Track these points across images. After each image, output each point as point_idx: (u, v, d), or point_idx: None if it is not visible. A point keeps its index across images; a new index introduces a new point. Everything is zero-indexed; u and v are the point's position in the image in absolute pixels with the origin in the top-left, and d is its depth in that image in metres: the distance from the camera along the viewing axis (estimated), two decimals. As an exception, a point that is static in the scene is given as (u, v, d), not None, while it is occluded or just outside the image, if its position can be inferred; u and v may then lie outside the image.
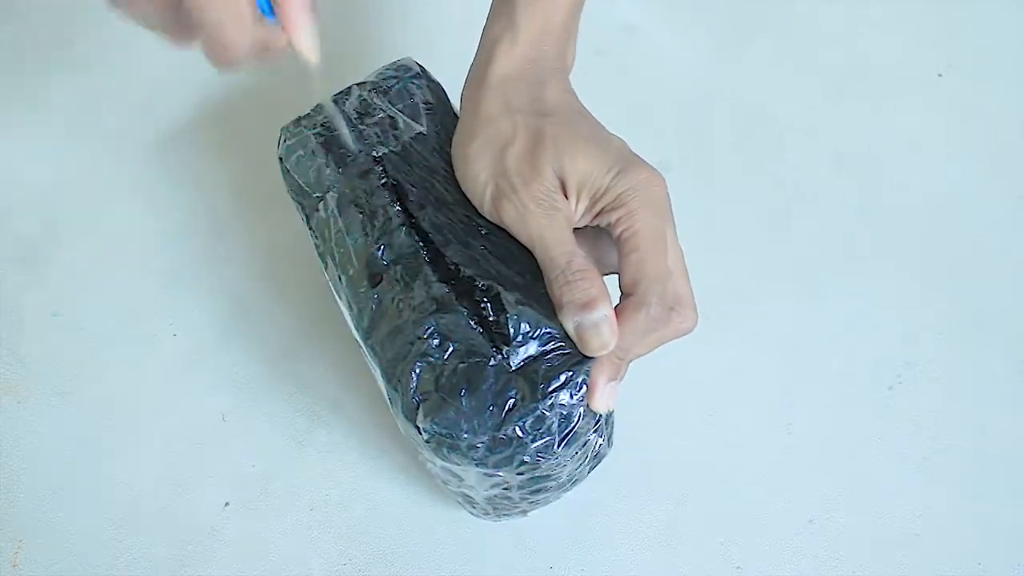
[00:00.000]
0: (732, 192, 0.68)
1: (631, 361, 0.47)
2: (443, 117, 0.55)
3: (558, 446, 0.46)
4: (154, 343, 0.63)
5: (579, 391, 0.46)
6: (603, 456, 0.53)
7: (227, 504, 0.59)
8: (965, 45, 0.75)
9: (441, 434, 0.45)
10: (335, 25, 0.73)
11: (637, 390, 0.52)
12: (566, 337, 0.46)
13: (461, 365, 0.45)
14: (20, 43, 0.74)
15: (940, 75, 0.74)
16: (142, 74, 0.72)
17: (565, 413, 0.45)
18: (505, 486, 0.49)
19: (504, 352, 0.46)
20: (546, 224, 0.47)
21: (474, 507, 0.53)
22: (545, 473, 0.48)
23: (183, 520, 0.58)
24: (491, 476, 0.47)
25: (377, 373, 0.49)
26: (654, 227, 0.46)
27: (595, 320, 0.45)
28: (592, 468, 0.53)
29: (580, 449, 0.49)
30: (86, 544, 0.58)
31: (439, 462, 0.48)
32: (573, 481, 0.52)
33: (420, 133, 0.53)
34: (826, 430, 0.61)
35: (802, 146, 0.71)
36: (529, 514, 0.55)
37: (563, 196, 0.48)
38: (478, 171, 0.49)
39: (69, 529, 0.58)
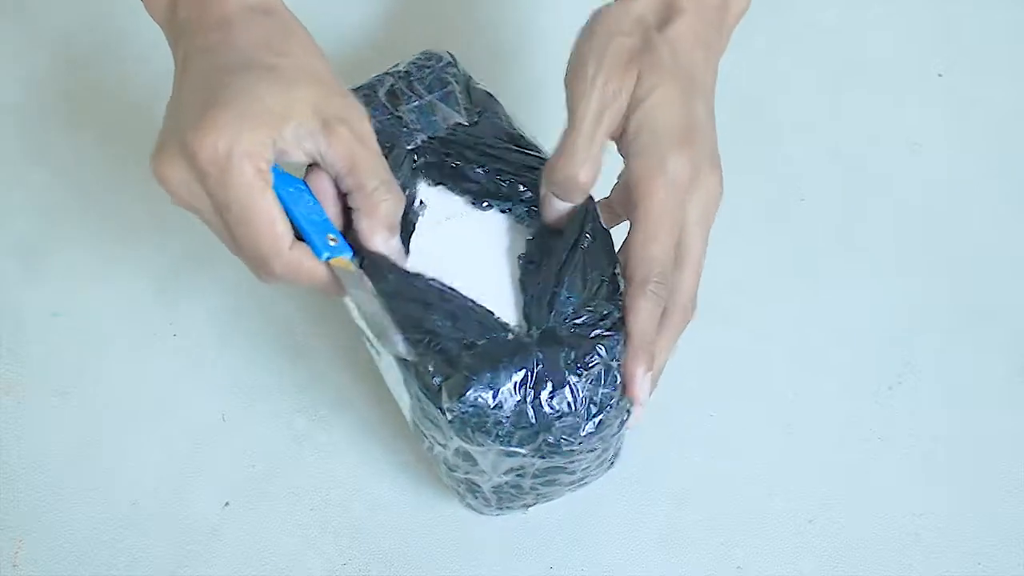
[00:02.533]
0: (729, 187, 0.68)
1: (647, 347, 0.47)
2: (476, 105, 0.54)
3: (584, 429, 0.46)
4: (154, 343, 0.63)
5: (612, 379, 0.46)
6: (611, 465, 0.53)
7: (227, 504, 0.59)
8: (964, 43, 0.75)
9: (466, 413, 0.45)
10: (350, 21, 0.73)
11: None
12: (587, 309, 0.46)
13: (482, 342, 0.45)
14: (21, 41, 0.74)
15: (940, 75, 0.73)
16: (143, 72, 0.72)
17: (596, 399, 0.45)
18: (520, 472, 0.48)
19: (525, 327, 0.46)
20: (592, 100, 0.46)
21: (475, 497, 0.52)
22: (562, 464, 0.48)
23: (183, 520, 0.58)
24: (511, 456, 0.47)
25: (391, 362, 0.49)
26: (668, 216, 0.46)
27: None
28: (600, 475, 0.53)
29: (602, 444, 0.48)
30: (86, 544, 0.58)
31: (455, 445, 0.47)
32: (582, 481, 0.52)
33: (459, 123, 0.53)
34: (826, 430, 0.61)
35: (800, 140, 0.70)
36: (529, 510, 0.55)
37: (624, 107, 0.46)
38: (587, 52, 0.47)
39: (69, 529, 0.58)
